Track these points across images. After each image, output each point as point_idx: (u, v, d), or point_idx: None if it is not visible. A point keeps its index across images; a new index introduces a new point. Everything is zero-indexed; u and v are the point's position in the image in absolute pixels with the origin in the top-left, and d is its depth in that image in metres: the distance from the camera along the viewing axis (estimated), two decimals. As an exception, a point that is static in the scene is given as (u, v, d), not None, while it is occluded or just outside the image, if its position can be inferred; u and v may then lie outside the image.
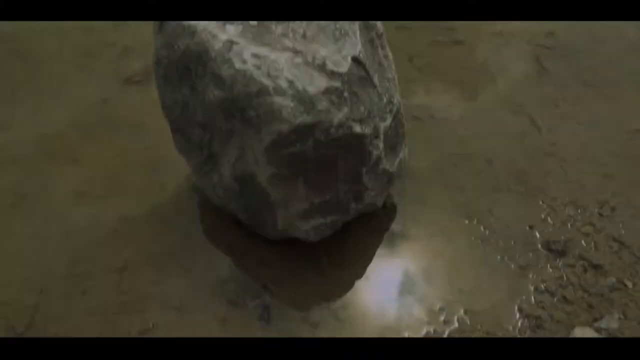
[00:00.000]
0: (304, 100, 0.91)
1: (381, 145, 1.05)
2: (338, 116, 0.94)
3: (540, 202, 1.30)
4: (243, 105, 0.94)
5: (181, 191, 1.31)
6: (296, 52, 0.95)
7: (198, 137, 1.11)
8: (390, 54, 1.12)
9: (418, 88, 1.54)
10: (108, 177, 1.35)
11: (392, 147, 1.13)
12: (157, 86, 1.13)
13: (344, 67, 0.95)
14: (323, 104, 0.92)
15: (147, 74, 1.59)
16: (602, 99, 1.56)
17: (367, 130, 1.00)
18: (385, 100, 1.06)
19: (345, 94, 0.95)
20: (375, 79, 1.03)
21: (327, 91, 0.92)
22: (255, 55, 0.93)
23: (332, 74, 0.94)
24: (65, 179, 1.34)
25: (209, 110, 1.02)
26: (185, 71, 1.02)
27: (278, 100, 0.91)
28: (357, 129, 0.98)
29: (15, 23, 1.79)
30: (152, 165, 1.36)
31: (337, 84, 0.93)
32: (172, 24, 1.01)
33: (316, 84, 0.92)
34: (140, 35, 1.70)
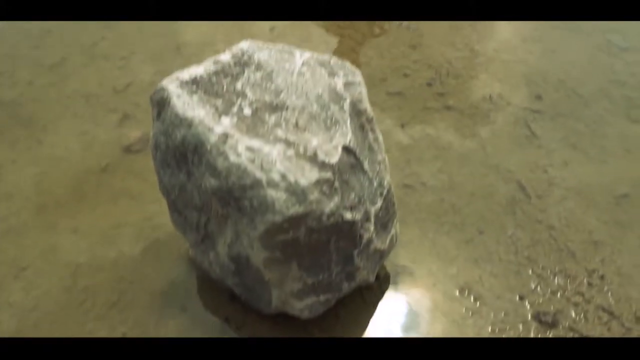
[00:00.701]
0: (296, 192, 0.95)
1: (372, 227, 1.09)
2: (329, 205, 0.98)
3: (530, 272, 1.33)
4: (238, 195, 0.98)
5: (179, 263, 1.34)
6: (289, 143, 0.99)
7: (195, 218, 1.14)
8: (380, 136, 1.16)
9: (410, 156, 1.58)
10: (106, 248, 1.38)
11: (384, 225, 1.17)
12: (155, 168, 1.17)
13: (335, 157, 0.99)
14: (314, 195, 0.96)
15: (146, 143, 1.63)
16: (589, 163, 1.60)
17: (358, 216, 1.03)
18: (375, 184, 1.10)
19: (336, 183, 0.99)
20: (366, 164, 1.07)
21: (318, 182, 0.96)
22: (249, 149, 0.97)
23: (324, 165, 0.97)
24: (64, 250, 1.37)
25: (205, 196, 1.06)
26: (183, 158, 1.06)
27: (271, 192, 0.94)
28: (348, 216, 1.01)
29: (20, 89, 1.84)
30: (149, 236, 1.39)
31: (328, 174, 0.97)
32: (170, 114, 1.05)
33: (308, 175, 0.96)
34: (139, 103, 1.75)
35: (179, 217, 1.19)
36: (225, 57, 1.15)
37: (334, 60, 1.18)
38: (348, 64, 1.19)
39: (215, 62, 1.13)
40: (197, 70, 1.11)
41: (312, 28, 1.95)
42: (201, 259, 1.23)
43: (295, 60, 1.15)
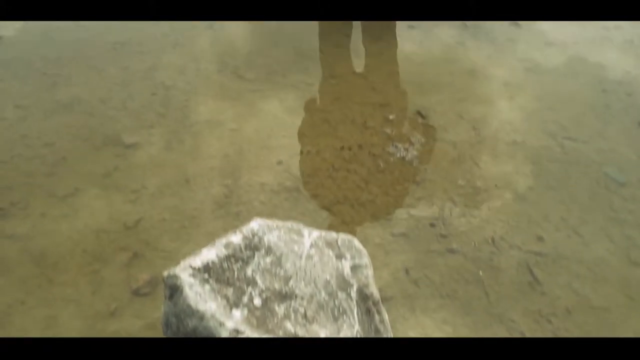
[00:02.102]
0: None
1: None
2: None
3: None
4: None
5: None
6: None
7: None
8: (386, 317, 1.18)
9: (415, 305, 1.60)
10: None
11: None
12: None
13: (342, 354, 1.01)
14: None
15: (154, 286, 1.66)
16: (592, 312, 1.61)
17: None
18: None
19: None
20: (372, 354, 1.09)
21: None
22: (259, 350, 0.99)
23: None
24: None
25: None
26: (193, 345, 1.08)
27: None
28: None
29: (33, 221, 1.89)
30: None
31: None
32: (182, 303, 1.08)
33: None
34: (149, 241, 1.79)
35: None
36: (237, 238, 1.19)
37: (341, 239, 1.22)
38: (355, 242, 1.23)
39: (227, 246, 1.17)
40: (209, 254, 1.15)
41: (319, 162, 2.02)
42: None
43: (304, 242, 1.19)
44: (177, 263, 1.69)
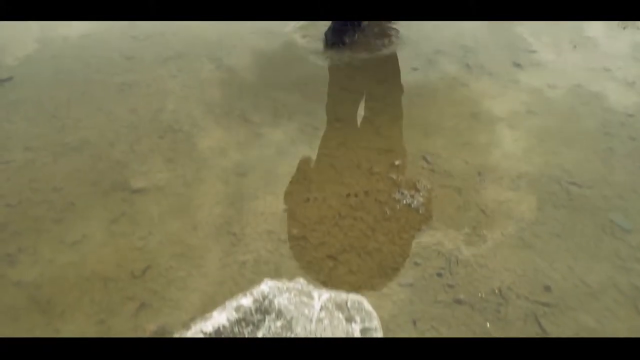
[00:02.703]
0: None
1: None
2: None
3: None
4: None
5: None
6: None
7: None
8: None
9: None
10: None
11: None
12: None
13: None
14: None
15: (163, 335, 1.65)
16: (602, 367, 1.60)
17: None
18: None
19: None
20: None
21: None
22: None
23: None
24: None
25: None
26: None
27: None
28: None
29: (41, 267, 1.89)
30: None
31: None
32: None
33: None
34: (156, 290, 1.79)
35: None
36: (247, 301, 1.19)
37: (351, 301, 1.23)
38: (365, 304, 1.23)
39: (237, 309, 1.18)
40: (220, 318, 1.16)
41: (325, 209, 2.03)
42: None
43: (314, 304, 1.20)
44: (184, 313, 1.70)
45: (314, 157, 2.29)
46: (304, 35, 3.24)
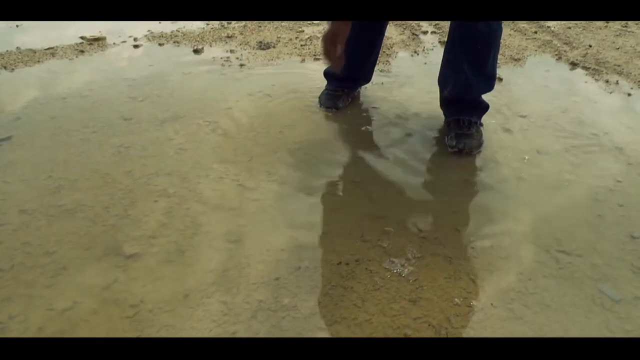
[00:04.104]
0: None
1: None
2: None
3: None
4: None
5: None
6: None
7: None
8: None
9: None
10: None
11: None
12: None
13: None
14: None
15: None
16: None
17: None
18: None
19: None
20: None
21: None
22: None
23: None
24: None
25: None
26: None
27: None
28: None
29: (30, 335, 1.88)
30: None
31: None
32: None
33: None
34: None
35: None
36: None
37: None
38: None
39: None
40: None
41: (316, 279, 2.04)
42: None
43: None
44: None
45: (305, 223, 2.32)
46: (299, 98, 3.32)
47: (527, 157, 2.82)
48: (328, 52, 2.43)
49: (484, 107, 2.88)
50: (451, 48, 2.77)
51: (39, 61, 3.90)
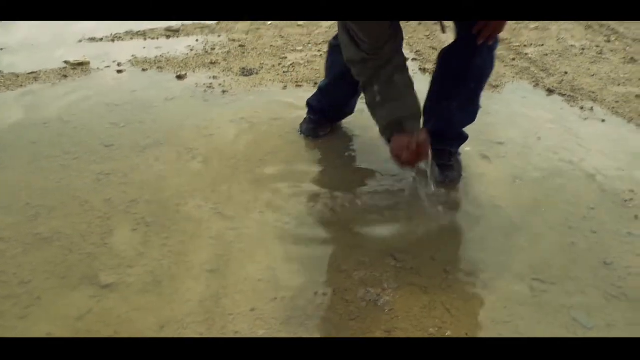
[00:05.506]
0: None
1: None
2: None
3: None
4: None
5: None
6: None
7: None
8: None
9: None
10: None
11: None
12: None
13: None
14: None
15: None
16: None
17: None
18: None
19: None
20: None
21: None
22: None
23: None
24: None
25: None
26: None
27: None
28: None
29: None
30: None
31: None
32: None
33: None
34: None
35: None
36: None
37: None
38: None
39: None
40: None
41: (292, 309, 2.05)
42: None
43: None
44: None
45: (283, 253, 2.33)
46: (281, 125, 3.35)
47: (503, 185, 2.86)
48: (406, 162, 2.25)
49: (464, 138, 2.92)
50: (442, 83, 2.74)
51: (21, 85, 3.90)
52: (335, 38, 2.82)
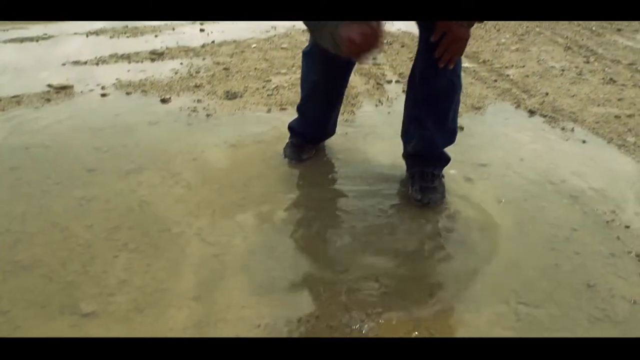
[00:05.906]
0: None
1: None
2: None
3: None
4: None
5: None
6: None
7: None
8: None
9: None
10: None
11: None
12: None
13: None
14: None
15: None
16: None
17: None
18: None
19: None
20: None
21: None
22: None
23: None
24: None
25: None
26: None
27: None
28: None
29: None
30: None
31: None
32: None
33: None
34: None
35: None
36: None
37: None
38: None
39: None
40: None
41: (275, 336, 2.03)
42: None
43: None
44: None
45: (267, 278, 2.31)
46: (264, 149, 3.36)
47: (487, 207, 2.87)
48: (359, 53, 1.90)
49: (446, 160, 2.95)
50: (414, 104, 2.83)
51: (3, 109, 3.88)
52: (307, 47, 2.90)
